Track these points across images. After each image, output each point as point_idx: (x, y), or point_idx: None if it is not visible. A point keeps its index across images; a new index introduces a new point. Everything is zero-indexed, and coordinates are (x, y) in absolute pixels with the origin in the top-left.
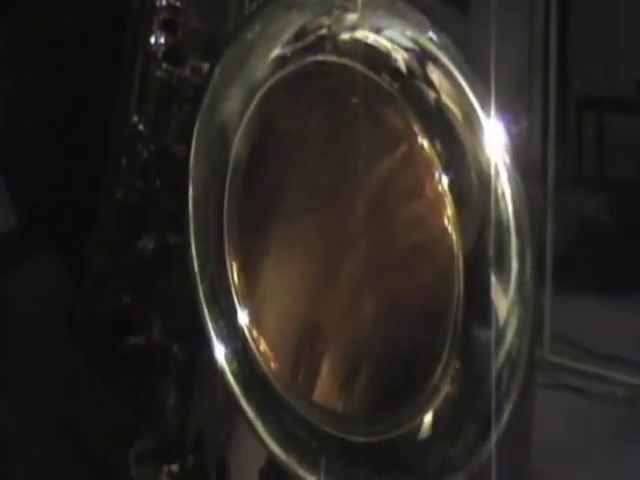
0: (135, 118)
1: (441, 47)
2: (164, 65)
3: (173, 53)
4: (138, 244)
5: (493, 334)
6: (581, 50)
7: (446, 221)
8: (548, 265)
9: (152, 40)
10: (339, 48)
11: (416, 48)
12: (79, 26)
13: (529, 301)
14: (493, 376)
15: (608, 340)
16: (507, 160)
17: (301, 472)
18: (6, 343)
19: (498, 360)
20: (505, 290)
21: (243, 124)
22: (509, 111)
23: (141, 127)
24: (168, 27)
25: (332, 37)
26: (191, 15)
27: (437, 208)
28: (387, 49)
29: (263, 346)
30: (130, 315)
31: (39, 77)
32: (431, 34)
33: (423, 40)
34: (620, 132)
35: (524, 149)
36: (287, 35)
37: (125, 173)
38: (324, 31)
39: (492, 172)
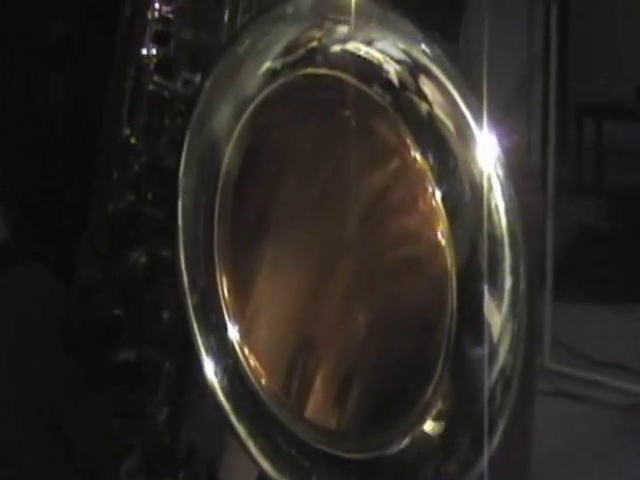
0: (127, 131)
1: (433, 59)
2: (156, 78)
3: (165, 66)
4: (130, 257)
5: (486, 349)
6: (581, 56)
7: (439, 235)
8: (548, 272)
9: (144, 52)
10: (330, 60)
11: (408, 60)
12: (71, 37)
13: (523, 317)
14: (485, 392)
15: (608, 347)
16: (500, 173)
17: None
18: None
19: (491, 377)
20: (499, 306)
21: (234, 137)
22: (503, 123)
23: (133, 140)
24: (160, 39)
25: (323, 49)
26: (183, 27)
27: (430, 222)
28: (379, 61)
29: (254, 362)
30: (122, 328)
31: (31, 89)
32: (423, 46)
33: (415, 52)
34: (620, 138)
35: (519, 161)
36: (278, 48)
37: (117, 186)
38: (315, 44)
39: (485, 184)
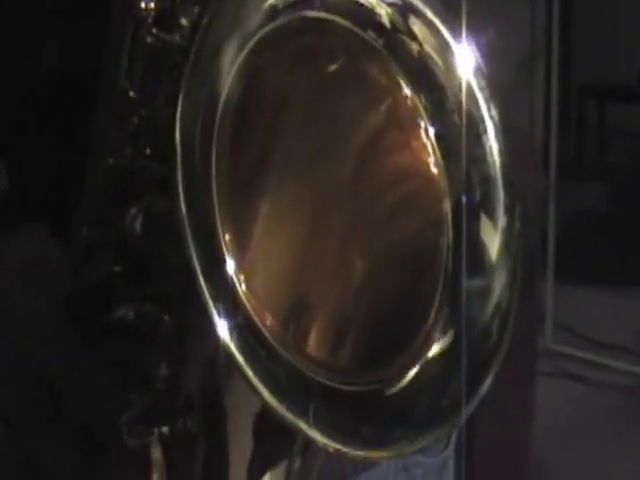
0: (125, 84)
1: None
2: (154, 30)
3: (163, 18)
4: (128, 212)
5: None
6: (583, 37)
7: (434, 171)
8: (550, 254)
9: (142, 5)
10: (327, 4)
11: (398, 1)
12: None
13: (519, 256)
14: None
15: (610, 329)
16: (494, 113)
17: (291, 418)
18: None
19: (487, 310)
20: (493, 237)
21: (233, 73)
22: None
23: (131, 93)
24: None
25: None
26: None
27: (425, 159)
28: (371, 5)
29: (255, 304)
30: (120, 284)
31: (28, 42)
32: None
33: None
34: (621, 120)
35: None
36: None
37: (115, 140)
38: None
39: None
